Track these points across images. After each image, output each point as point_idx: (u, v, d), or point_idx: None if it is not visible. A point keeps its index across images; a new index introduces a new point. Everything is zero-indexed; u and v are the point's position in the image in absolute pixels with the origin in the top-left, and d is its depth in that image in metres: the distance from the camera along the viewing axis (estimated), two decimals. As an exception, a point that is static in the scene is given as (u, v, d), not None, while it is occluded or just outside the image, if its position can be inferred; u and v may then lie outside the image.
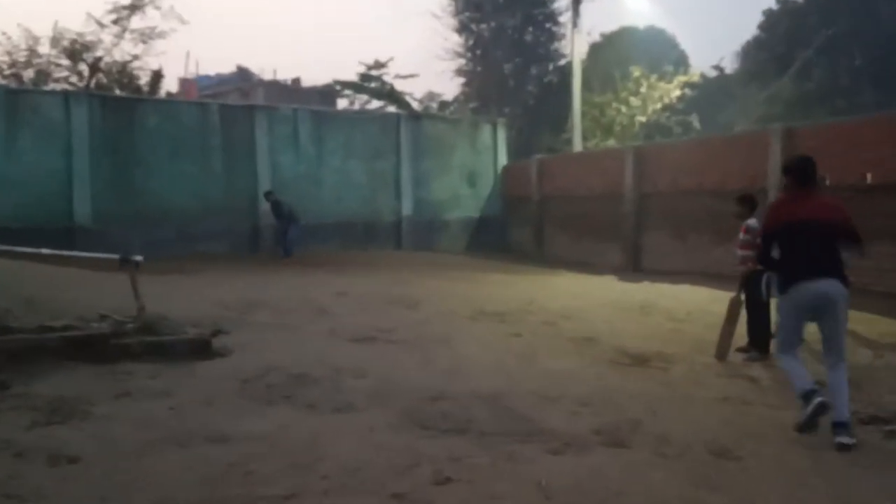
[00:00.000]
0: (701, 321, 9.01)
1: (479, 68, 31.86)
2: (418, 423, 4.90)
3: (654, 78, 24.23)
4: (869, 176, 10.77)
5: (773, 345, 6.11)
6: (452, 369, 6.49)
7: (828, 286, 4.70)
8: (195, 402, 5.24)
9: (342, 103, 34.56)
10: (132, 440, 4.44)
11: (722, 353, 7.12)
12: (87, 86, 21.85)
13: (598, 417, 5.13)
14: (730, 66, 32.67)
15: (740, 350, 7.26)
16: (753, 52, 29.14)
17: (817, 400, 4.67)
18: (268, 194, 17.19)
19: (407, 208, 20.14)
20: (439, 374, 6.28)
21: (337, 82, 29.36)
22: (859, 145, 10.98)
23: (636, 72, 24.24)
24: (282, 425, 4.80)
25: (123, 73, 23.00)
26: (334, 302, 10.09)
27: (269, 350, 7.00)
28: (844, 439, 4.56)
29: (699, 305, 10.17)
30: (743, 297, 7.33)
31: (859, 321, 8.30)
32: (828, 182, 10.56)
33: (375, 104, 27.79)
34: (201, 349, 6.76)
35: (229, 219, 17.87)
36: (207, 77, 51.98)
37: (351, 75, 28.49)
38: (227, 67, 54.29)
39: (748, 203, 7.43)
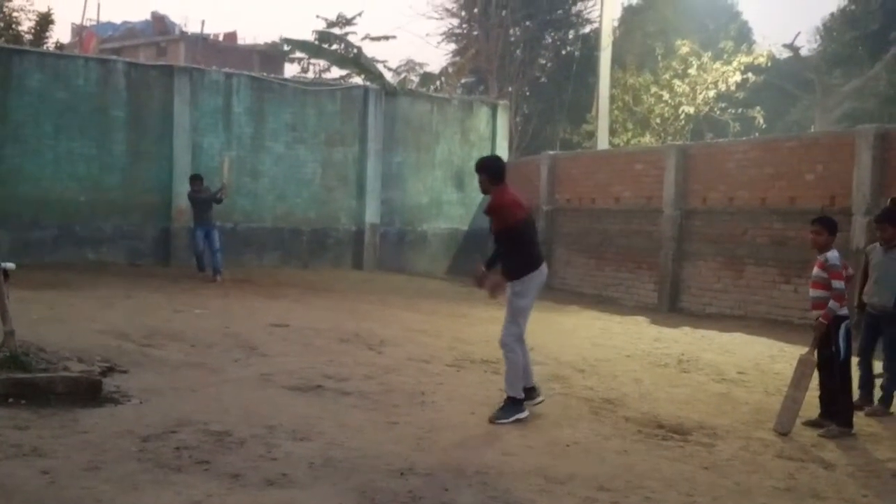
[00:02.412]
0: (758, 383, 9.06)
1: (476, 32, 32.09)
2: (379, 505, 4.87)
3: (707, 56, 24.54)
4: None
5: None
6: (426, 434, 6.47)
7: None
8: (77, 466, 5.17)
9: (291, 69, 34.68)
10: (-11, 514, 4.37)
11: (784, 424, 7.16)
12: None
13: (619, 507, 5.14)
14: (807, 45, 33.17)
15: (811, 424, 7.30)
16: (839, 29, 29.60)
17: None
18: (196, 180, 16.58)
19: (372, 214, 20.19)
20: (408, 440, 6.26)
21: (285, 41, 29.44)
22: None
23: (684, 47, 24.54)
24: (194, 501, 4.75)
25: (-1, 15, 22.99)
26: (269, 337, 10.07)
27: (181, 398, 6.96)
28: None
29: (756, 362, 10.24)
30: (816, 354, 7.40)
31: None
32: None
33: (336, 73, 27.92)
34: (88, 392, 6.70)
35: (133, 217, 17.82)
36: (112, 25, 52.01)
37: (305, 33, 28.64)
38: (139, 14, 54.27)
39: (830, 228, 7.49)
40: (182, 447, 5.70)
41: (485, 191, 7.46)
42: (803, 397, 7.28)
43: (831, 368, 7.32)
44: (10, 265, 7.22)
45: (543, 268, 7.50)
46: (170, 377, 7.67)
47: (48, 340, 7.89)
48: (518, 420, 7.06)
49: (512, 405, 7.14)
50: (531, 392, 7.46)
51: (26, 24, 23.58)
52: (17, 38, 22.80)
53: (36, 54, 18.65)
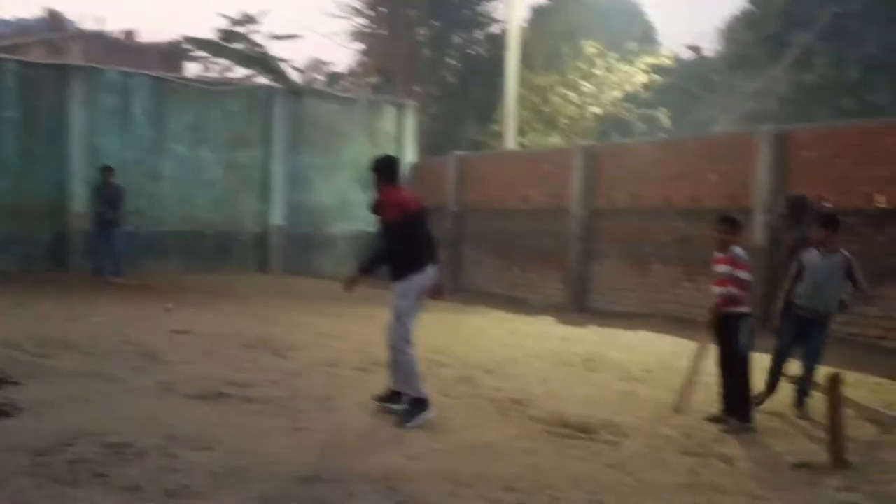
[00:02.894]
0: (663, 381, 9.25)
1: (383, 31, 32.06)
2: (283, 514, 4.84)
3: (613, 57, 24.96)
4: (882, 198, 11.37)
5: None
6: (333, 441, 6.46)
7: None
8: (-35, 483, 5.02)
9: (193, 69, 34.07)
10: None
11: (682, 404, 7.49)
12: None
13: (526, 508, 5.20)
14: (710, 47, 34.01)
15: (713, 420, 7.51)
16: (740, 32, 30.42)
17: None
18: (107, 171, 16.42)
19: (277, 217, 20.01)
20: (315, 447, 6.24)
21: (187, 39, 28.97)
22: (870, 157, 11.59)
23: (590, 48, 24.91)
24: (89, 517, 4.66)
25: None
26: (170, 344, 9.91)
27: (76, 409, 6.79)
28: None
29: (661, 360, 10.47)
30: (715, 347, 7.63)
31: (862, 386, 8.74)
32: (831, 205, 11.17)
33: (240, 73, 27.53)
34: (-24, 406, 6.49)
35: (25, 222, 17.28)
36: (3, 22, 50.37)
37: (208, 31, 28.26)
38: (32, 10, 52.76)
39: (737, 227, 7.71)
40: (77, 460, 5.57)
41: (378, 190, 7.59)
42: (698, 379, 7.66)
43: (732, 365, 7.54)
44: None
45: (429, 271, 7.48)
46: (64, 388, 7.47)
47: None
48: (427, 420, 7.09)
49: (417, 406, 7.16)
50: (397, 397, 7.38)
51: None
52: None
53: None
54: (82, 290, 14.76)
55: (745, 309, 7.49)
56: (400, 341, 7.39)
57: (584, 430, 7.15)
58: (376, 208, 7.51)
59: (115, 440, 6.00)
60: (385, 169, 7.61)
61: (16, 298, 12.92)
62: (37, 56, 44.19)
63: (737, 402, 7.48)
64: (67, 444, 5.87)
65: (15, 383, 7.38)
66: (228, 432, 6.44)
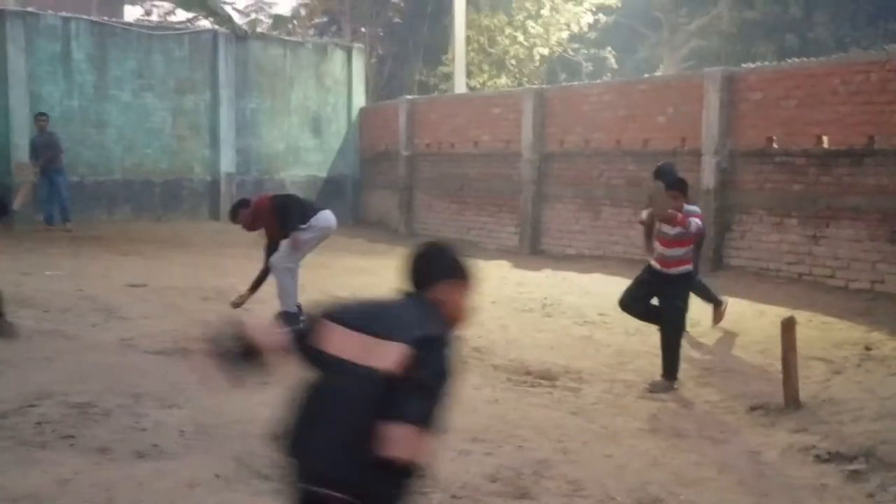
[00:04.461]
0: (619, 325, 9.38)
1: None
2: (257, 472, 4.88)
3: (559, -3, 24.86)
4: (826, 139, 11.56)
5: None
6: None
7: None
8: (-69, 449, 4.98)
9: (133, 12, 33.19)
10: None
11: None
12: None
13: (494, 458, 5.30)
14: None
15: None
16: (684, -31, 30.47)
17: None
18: (41, 119, 16.32)
19: (227, 163, 19.75)
20: (279, 402, 6.24)
21: (126, -19, 28.23)
22: (816, 98, 11.74)
23: (537, -13, 24.78)
24: (62, 479, 4.66)
25: None
26: (126, 297, 9.83)
27: (37, 369, 6.75)
28: None
29: (615, 302, 10.58)
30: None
31: (812, 326, 8.96)
32: (775, 145, 11.33)
33: (182, 16, 26.97)
34: (-65, 369, 6.41)
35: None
36: (-70, -37, 48.59)
37: (147, -28, 27.50)
38: (-39, -50, 50.80)
39: (684, 190, 7.33)
40: (43, 422, 5.55)
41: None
42: None
43: (672, 320, 7.42)
44: None
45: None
46: (23, 347, 7.39)
47: None
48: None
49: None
50: None
51: None
52: None
53: None
54: (31, 242, 14.50)
55: (689, 267, 7.49)
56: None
57: (546, 377, 7.28)
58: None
59: (80, 400, 5.98)
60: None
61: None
62: None
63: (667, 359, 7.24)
64: (31, 405, 5.84)
65: (-28, 344, 7.29)
66: (194, 389, 6.40)
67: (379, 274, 12.84)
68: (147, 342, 7.78)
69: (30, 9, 18.83)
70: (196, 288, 10.65)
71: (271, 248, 9.04)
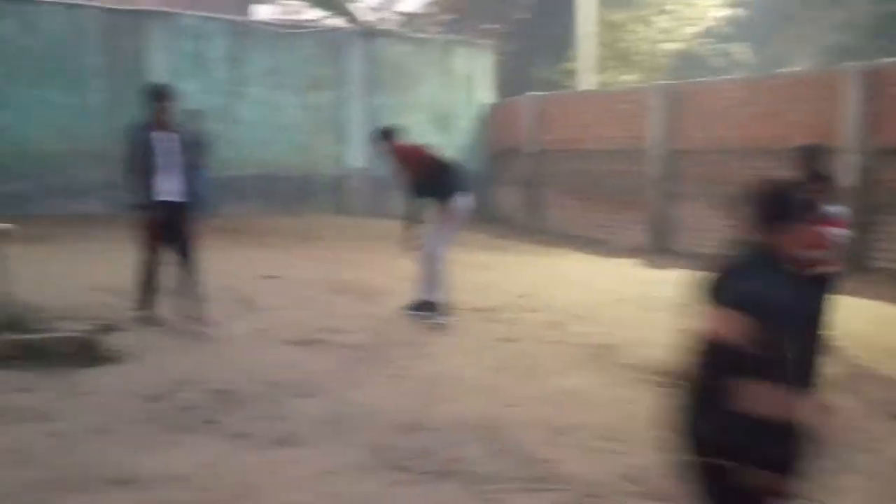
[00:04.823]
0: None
1: (454, -31, 31.67)
2: (390, 462, 4.96)
3: (689, -10, 24.39)
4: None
5: None
6: (429, 387, 6.56)
7: None
8: (86, 428, 5.24)
9: (265, 11, 34.06)
10: (4, 481, 4.42)
11: None
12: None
13: (628, 458, 5.24)
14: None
15: None
16: (822, -39, 29.46)
17: None
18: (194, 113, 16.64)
19: (356, 158, 20.09)
20: (413, 394, 6.35)
21: (260, -19, 29.01)
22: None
23: (666, -19, 24.39)
24: (205, 462, 4.83)
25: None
26: (261, 289, 10.09)
27: (180, 355, 7.01)
28: None
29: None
30: None
31: None
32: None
33: (314, 14, 27.48)
34: (87, 352, 6.75)
35: (113, 167, 17.53)
36: (78, -34, 50.96)
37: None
38: (105, -46, 53.14)
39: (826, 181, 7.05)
40: (187, 406, 5.76)
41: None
42: None
43: None
44: (8, 226, 7.20)
45: None
46: (167, 334, 7.69)
47: (42, 299, 7.88)
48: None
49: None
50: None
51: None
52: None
53: (5, 1, 18.26)
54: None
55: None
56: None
57: (679, 377, 7.13)
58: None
59: (221, 387, 6.19)
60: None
61: (112, 243, 13.22)
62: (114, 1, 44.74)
63: None
64: (176, 390, 6.07)
65: (121, 329, 7.62)
66: (327, 379, 6.59)
67: (503, 270, 12.90)
68: (282, 332, 7.99)
69: (168, 9, 19.56)
70: (326, 280, 10.88)
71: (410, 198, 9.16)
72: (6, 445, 4.88)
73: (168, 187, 7.69)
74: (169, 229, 7.75)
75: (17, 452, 4.79)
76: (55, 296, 8.24)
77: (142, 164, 7.61)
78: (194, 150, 8.13)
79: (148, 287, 7.92)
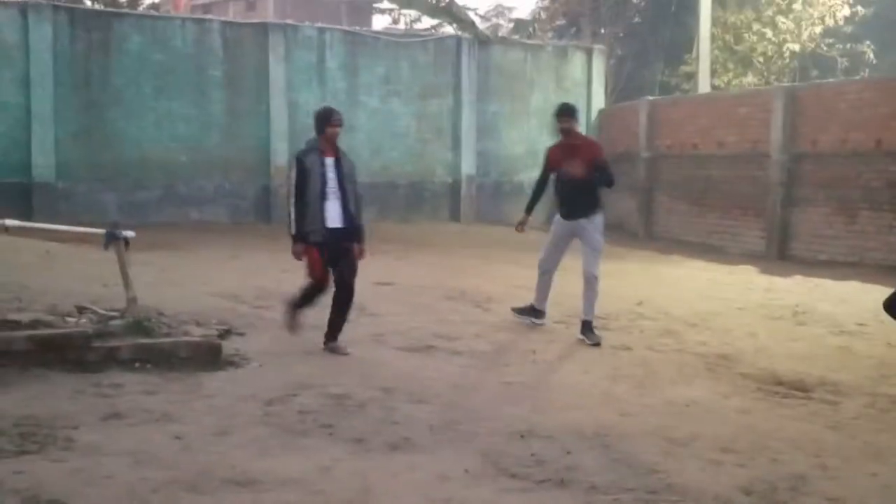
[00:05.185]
0: (880, 335, 8.85)
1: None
2: (504, 469, 4.93)
3: (812, -11, 23.68)
4: None
5: None
6: (542, 395, 6.53)
7: None
8: (207, 430, 5.36)
9: (381, 21, 34.64)
10: (130, 480, 4.56)
11: None
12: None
13: (746, 470, 5.10)
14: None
15: None
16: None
17: None
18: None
19: (468, 166, 20.19)
20: (525, 401, 6.32)
21: (375, -8, 29.43)
22: None
23: (788, -19, 23.74)
24: (322, 466, 4.89)
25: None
26: (375, 295, 10.18)
27: (297, 361, 7.13)
28: None
29: (875, 312, 9.85)
30: None
31: None
32: None
33: (427, 23, 27.77)
34: (209, 356, 6.91)
35: (233, 176, 18.19)
36: (201, -18, 52.58)
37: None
38: (228, -31, 54.74)
39: None
40: (305, 411, 5.85)
41: (568, 131, 8.63)
42: None
43: None
44: (131, 233, 7.45)
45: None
46: (284, 339, 7.84)
47: (165, 304, 8.15)
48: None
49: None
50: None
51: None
52: (114, 1, 23.33)
53: (134, 17, 19.06)
54: (287, 241, 15.33)
55: None
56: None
57: (800, 388, 6.93)
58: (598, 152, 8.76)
59: (337, 391, 6.27)
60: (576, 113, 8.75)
61: (231, 250, 13.64)
62: (233, 12, 46.12)
63: None
64: (293, 395, 6.17)
65: (240, 334, 7.82)
66: (441, 385, 6.61)
67: (618, 277, 12.72)
68: (396, 339, 8.07)
69: (289, 21, 20.04)
70: (439, 287, 10.93)
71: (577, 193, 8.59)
72: (132, 446, 5.04)
73: (334, 213, 7.38)
74: (333, 257, 7.44)
75: (142, 453, 4.95)
76: (178, 301, 8.50)
77: (312, 190, 7.28)
78: (354, 173, 7.68)
79: (305, 302, 7.69)
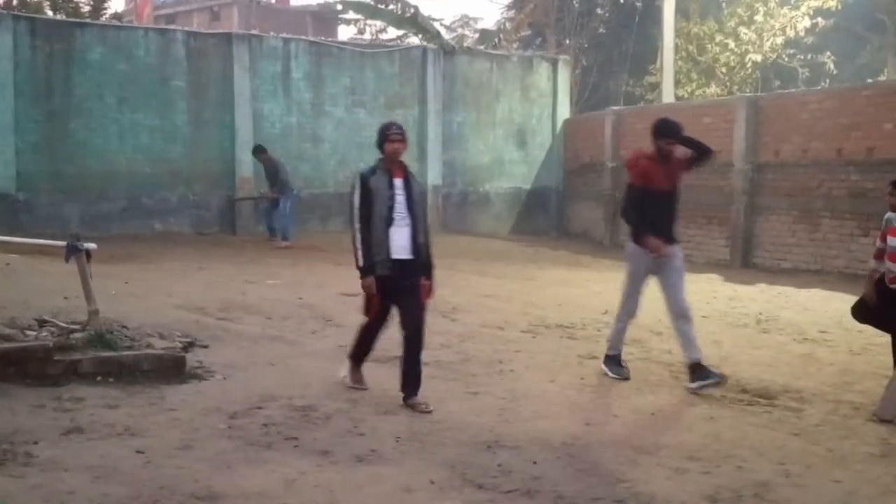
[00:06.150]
0: (842, 342, 8.96)
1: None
2: (470, 480, 4.92)
3: (774, 2, 23.97)
4: None
5: None
6: (508, 405, 6.53)
7: None
8: (170, 445, 5.30)
9: (346, 32, 34.64)
10: (91, 496, 4.50)
11: (889, 409, 6.44)
12: (9, 3, 22.09)
13: (712, 477, 5.13)
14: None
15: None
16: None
17: None
18: (258, 151, 17.14)
19: (434, 176, 20.18)
20: (492, 411, 6.32)
21: (340, 2, 29.38)
22: None
23: (749, -8, 24.02)
24: (287, 479, 4.85)
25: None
26: (341, 307, 10.16)
27: (262, 372, 7.09)
28: None
29: (837, 320, 10.09)
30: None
31: None
32: None
33: (393, 34, 27.78)
34: (172, 369, 6.85)
35: (197, 187, 18.06)
36: (165, -9, 52.26)
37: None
38: (191, -22, 54.46)
39: None
40: (269, 423, 5.81)
41: (667, 154, 7.46)
42: None
43: None
44: (92, 245, 7.35)
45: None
46: (249, 351, 7.80)
47: (128, 317, 8.07)
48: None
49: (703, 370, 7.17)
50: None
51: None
52: (76, 10, 23.14)
53: (97, 27, 18.85)
54: (253, 252, 15.32)
55: None
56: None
57: (764, 395, 6.99)
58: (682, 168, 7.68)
59: (302, 403, 6.24)
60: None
61: (195, 262, 13.53)
62: (197, 23, 45.90)
63: None
64: (258, 407, 6.14)
65: (204, 346, 7.76)
66: (407, 397, 6.59)
67: (585, 286, 12.80)
68: (362, 349, 8.03)
69: (254, 31, 19.95)
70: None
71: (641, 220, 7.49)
72: (93, 461, 4.97)
73: (401, 242, 6.41)
74: (395, 293, 6.48)
75: (104, 468, 4.88)
76: (141, 314, 8.43)
77: (377, 214, 6.36)
78: (425, 198, 6.81)
79: (363, 349, 6.86)
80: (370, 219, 6.36)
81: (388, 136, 6.51)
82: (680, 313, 7.39)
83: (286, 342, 8.26)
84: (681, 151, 7.52)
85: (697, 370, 7.12)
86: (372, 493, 4.74)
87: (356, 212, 6.41)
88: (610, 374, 7.46)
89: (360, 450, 5.39)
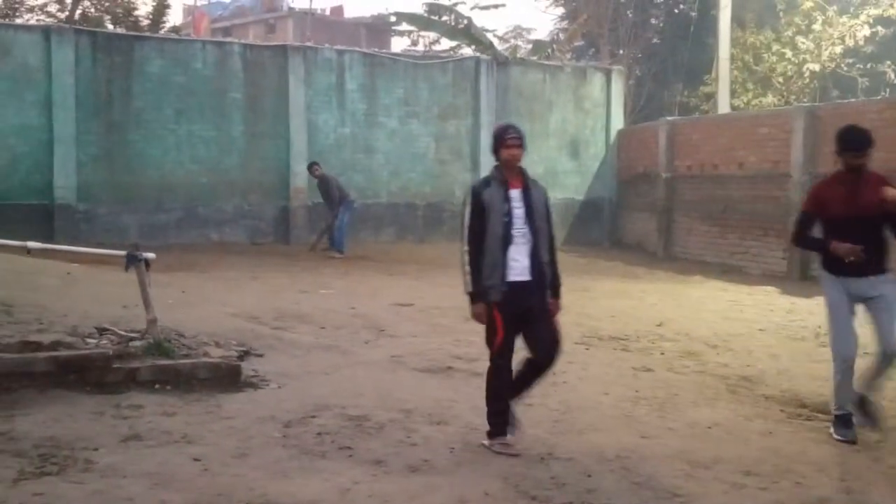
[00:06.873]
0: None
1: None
2: (524, 492, 4.90)
3: (832, 10, 23.61)
4: None
5: None
6: (562, 416, 6.48)
7: None
8: (226, 452, 5.36)
9: (400, 43, 34.84)
10: (149, 502, 4.57)
11: None
12: (72, 17, 22.57)
13: (770, 493, 5.05)
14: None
15: None
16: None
17: None
18: (312, 167, 17.31)
19: (487, 186, 20.13)
20: (545, 423, 6.28)
21: (394, 13, 29.61)
22: None
23: (807, 2, 23.68)
24: (341, 488, 4.87)
25: (116, 2, 23.68)
26: (394, 316, 10.21)
27: (316, 382, 7.13)
28: None
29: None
30: None
31: None
32: None
33: (446, 44, 27.89)
34: (228, 377, 6.91)
35: (252, 197, 18.28)
36: (222, 4, 53.08)
37: (413, 5, 28.67)
38: (247, -9, 55.21)
39: None
40: (324, 432, 5.84)
41: (856, 170, 6.13)
42: None
43: None
44: (151, 255, 7.47)
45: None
46: (303, 360, 7.86)
47: (185, 325, 8.17)
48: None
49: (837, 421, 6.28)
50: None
51: (143, 10, 24.47)
52: (136, 24, 23.59)
53: (155, 40, 19.23)
54: (306, 262, 15.46)
55: None
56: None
57: (824, 411, 6.85)
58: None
59: (356, 413, 6.26)
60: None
61: (250, 271, 13.68)
62: (253, 35, 46.51)
63: None
64: (312, 416, 6.17)
65: (259, 355, 7.82)
66: (461, 407, 6.58)
67: (639, 298, 12.70)
68: (415, 360, 8.05)
69: (309, 43, 20.16)
70: (458, 308, 10.81)
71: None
72: (151, 468, 5.04)
73: (521, 263, 5.72)
74: (518, 318, 5.72)
75: (162, 475, 4.95)
76: (198, 322, 8.53)
77: (492, 233, 5.69)
78: (549, 207, 5.95)
79: (500, 396, 5.79)
80: (483, 238, 5.68)
81: (505, 140, 5.76)
82: (892, 352, 6.19)
83: (339, 351, 8.31)
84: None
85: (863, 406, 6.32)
86: (425, 503, 4.74)
87: (466, 230, 5.77)
88: (835, 436, 6.16)
89: (413, 460, 5.40)
